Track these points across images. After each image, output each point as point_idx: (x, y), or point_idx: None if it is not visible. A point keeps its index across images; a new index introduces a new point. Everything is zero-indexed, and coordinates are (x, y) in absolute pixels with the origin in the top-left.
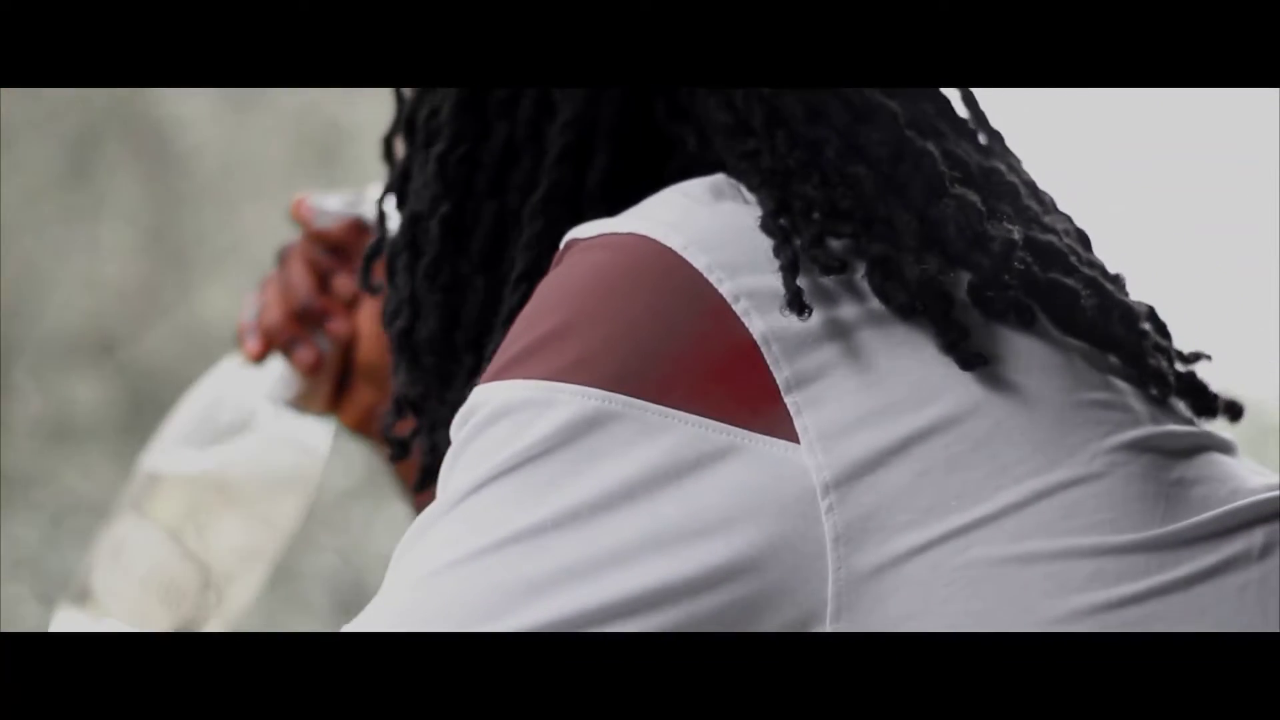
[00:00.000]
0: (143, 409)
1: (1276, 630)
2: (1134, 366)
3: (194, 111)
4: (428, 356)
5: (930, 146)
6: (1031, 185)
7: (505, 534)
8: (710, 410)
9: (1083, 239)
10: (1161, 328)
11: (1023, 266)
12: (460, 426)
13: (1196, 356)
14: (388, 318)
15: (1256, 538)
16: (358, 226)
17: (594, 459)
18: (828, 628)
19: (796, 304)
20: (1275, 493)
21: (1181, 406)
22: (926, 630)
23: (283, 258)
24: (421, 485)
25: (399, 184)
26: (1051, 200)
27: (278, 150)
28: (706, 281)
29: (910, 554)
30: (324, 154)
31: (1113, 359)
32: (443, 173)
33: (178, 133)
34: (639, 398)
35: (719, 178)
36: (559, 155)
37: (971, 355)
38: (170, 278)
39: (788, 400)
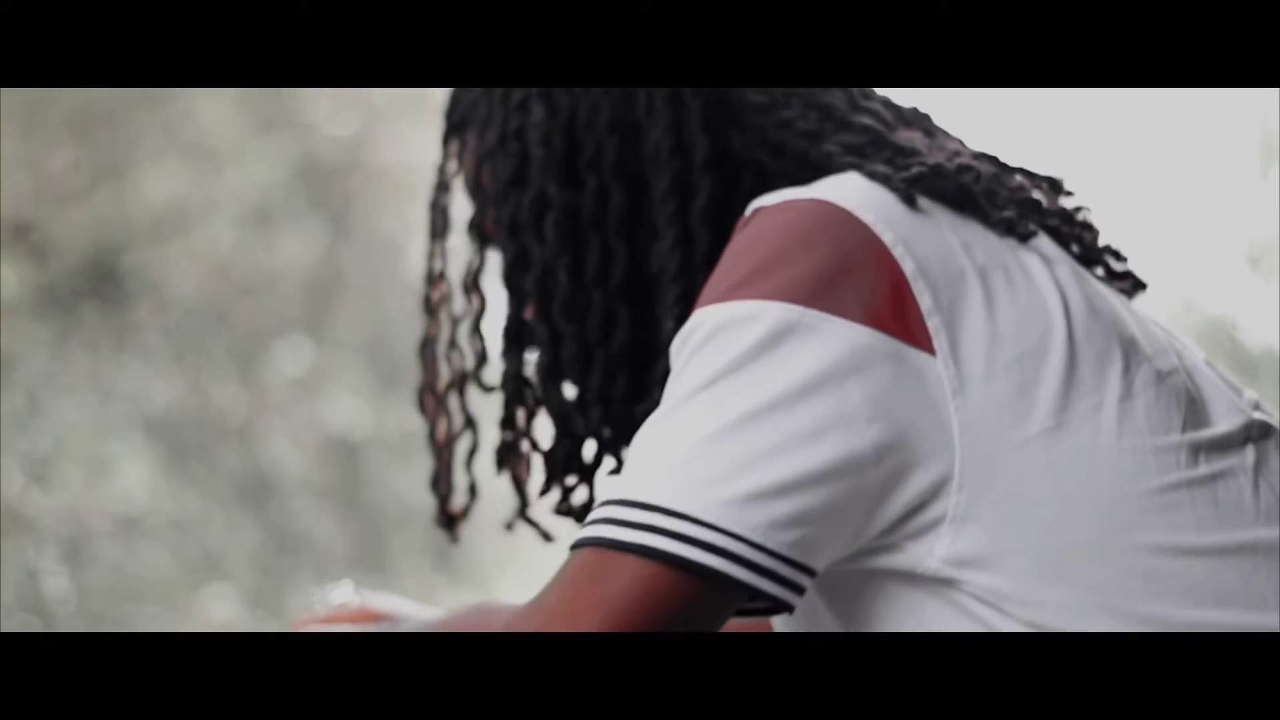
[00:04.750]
0: None
1: (1267, 525)
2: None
3: None
4: (572, 372)
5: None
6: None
7: (740, 414)
8: (879, 324)
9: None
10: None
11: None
12: (684, 342)
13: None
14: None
15: (1249, 455)
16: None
17: (797, 356)
18: (953, 497)
19: (908, 191)
20: (1258, 417)
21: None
22: (1029, 504)
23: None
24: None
25: (516, 263)
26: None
27: None
28: (873, 231)
29: (1016, 445)
30: None
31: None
32: (559, 232)
33: None
34: (827, 312)
35: None
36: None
37: (1020, 233)
38: None
39: (929, 322)
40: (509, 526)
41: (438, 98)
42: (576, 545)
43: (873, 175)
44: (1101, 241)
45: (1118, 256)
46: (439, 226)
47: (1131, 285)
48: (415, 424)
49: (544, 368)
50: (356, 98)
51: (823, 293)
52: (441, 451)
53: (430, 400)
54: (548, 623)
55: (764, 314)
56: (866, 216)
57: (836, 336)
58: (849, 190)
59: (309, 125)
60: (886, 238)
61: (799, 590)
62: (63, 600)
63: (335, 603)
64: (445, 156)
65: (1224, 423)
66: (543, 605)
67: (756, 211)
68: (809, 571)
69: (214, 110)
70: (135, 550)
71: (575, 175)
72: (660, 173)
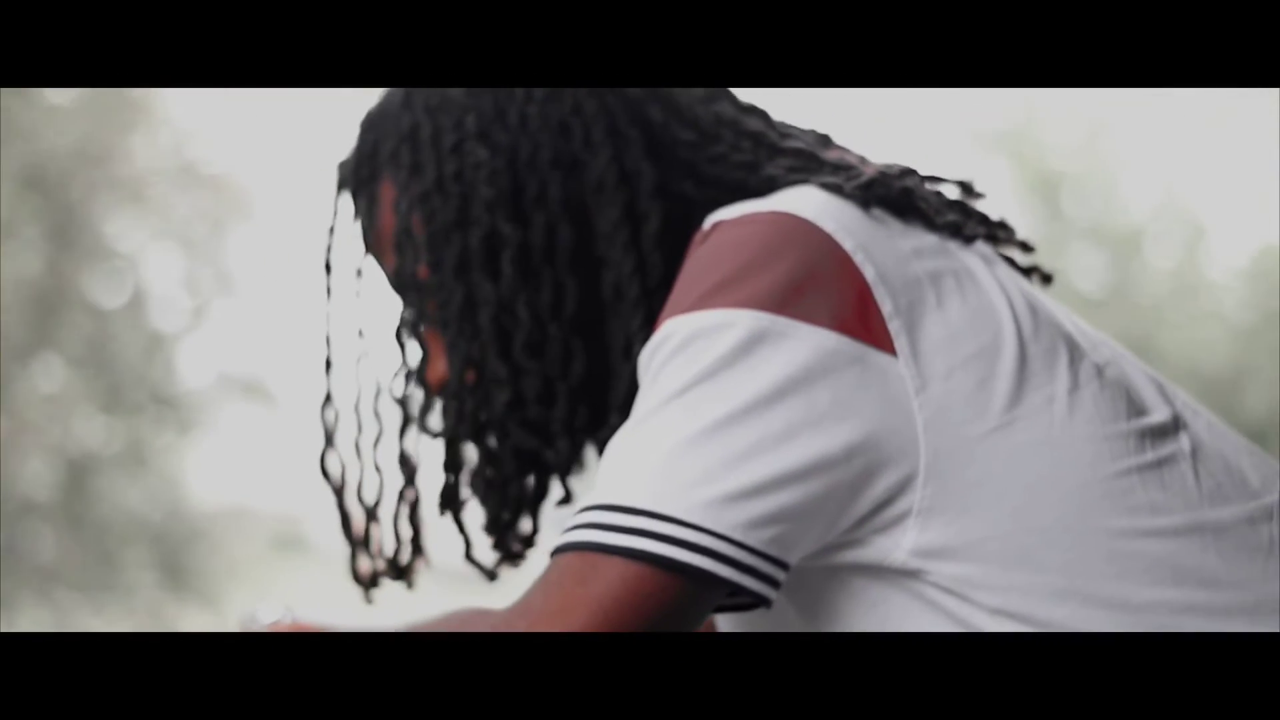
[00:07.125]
0: None
1: (1212, 506)
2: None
3: None
4: (535, 408)
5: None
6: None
7: (716, 418)
8: (845, 329)
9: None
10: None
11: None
12: (654, 352)
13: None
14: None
15: (1184, 442)
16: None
17: (768, 362)
18: (918, 491)
19: (863, 200)
20: (1180, 405)
21: None
22: (993, 494)
23: None
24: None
25: (467, 304)
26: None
27: None
28: (834, 240)
29: (977, 438)
30: None
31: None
32: (516, 269)
33: None
34: (795, 319)
35: None
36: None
37: (965, 236)
38: None
39: (890, 325)
40: (494, 572)
41: (162, 102)
42: (559, 550)
43: (825, 186)
44: (1012, 237)
45: (1025, 248)
46: (348, 284)
47: (1040, 279)
48: (141, 438)
49: (506, 405)
50: (82, 105)
51: (792, 300)
52: (372, 508)
53: (337, 459)
54: (535, 623)
55: (736, 322)
56: (828, 225)
57: (806, 342)
58: (807, 201)
59: (32, 131)
60: (847, 245)
61: (776, 585)
62: None
63: (266, 622)
64: (336, 215)
65: (1157, 412)
66: (529, 607)
67: (716, 225)
68: (785, 566)
69: None
70: None
71: (521, 212)
72: (609, 203)
